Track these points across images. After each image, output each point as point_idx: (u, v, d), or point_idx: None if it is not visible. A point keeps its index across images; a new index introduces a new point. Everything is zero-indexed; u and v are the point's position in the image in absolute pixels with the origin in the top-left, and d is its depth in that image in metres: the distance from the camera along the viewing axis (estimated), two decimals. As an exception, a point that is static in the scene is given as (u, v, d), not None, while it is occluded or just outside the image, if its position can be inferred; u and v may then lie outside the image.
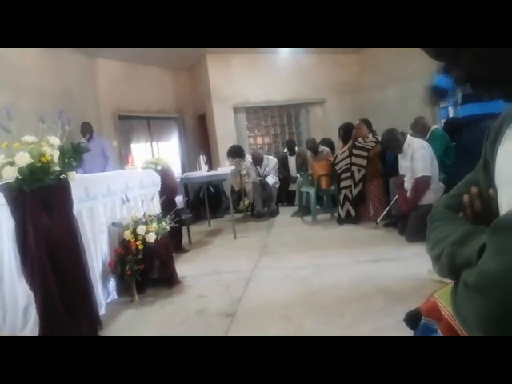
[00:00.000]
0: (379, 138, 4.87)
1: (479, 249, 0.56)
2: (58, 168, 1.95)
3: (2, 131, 1.93)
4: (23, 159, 1.80)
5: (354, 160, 4.86)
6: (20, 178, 1.83)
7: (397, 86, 7.36)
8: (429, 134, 4.48)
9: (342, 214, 4.89)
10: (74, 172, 2.10)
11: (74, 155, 1.98)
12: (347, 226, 4.70)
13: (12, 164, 1.82)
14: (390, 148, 4.24)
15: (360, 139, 4.97)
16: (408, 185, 3.86)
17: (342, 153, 5.08)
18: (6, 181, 1.87)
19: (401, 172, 4.07)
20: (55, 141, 1.97)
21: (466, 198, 0.74)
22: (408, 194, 3.84)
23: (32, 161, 1.82)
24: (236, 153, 6.38)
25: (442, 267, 0.70)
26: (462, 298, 0.58)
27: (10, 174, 1.81)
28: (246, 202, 6.48)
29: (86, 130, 5.63)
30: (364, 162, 4.82)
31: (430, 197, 3.64)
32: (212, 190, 6.47)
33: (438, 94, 2.59)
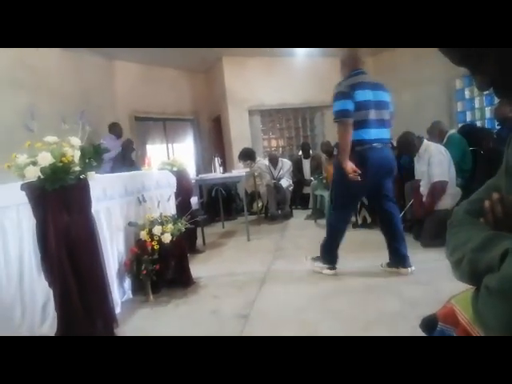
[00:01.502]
0: (393, 143, 4.83)
1: (502, 254, 0.56)
2: (78, 168, 1.99)
3: (25, 132, 1.98)
4: (46, 159, 1.84)
5: None
6: (42, 177, 1.87)
7: (412, 90, 7.31)
8: (446, 138, 4.43)
9: (359, 221, 4.86)
10: (94, 172, 2.13)
11: (94, 156, 2.01)
12: (362, 231, 4.68)
13: (35, 164, 1.86)
14: (404, 151, 4.21)
15: None
16: (424, 189, 3.82)
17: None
18: (28, 180, 1.92)
19: (417, 176, 4.04)
20: (76, 141, 2.01)
21: (487, 203, 0.73)
22: (424, 199, 3.80)
23: (54, 161, 1.86)
24: (247, 155, 6.42)
25: (462, 273, 0.69)
26: (484, 303, 0.58)
27: (33, 174, 1.85)
28: (260, 205, 6.50)
29: (116, 129, 5.86)
30: None
31: (446, 202, 3.61)
32: (223, 192, 6.48)
33: (343, 117, 2.84)
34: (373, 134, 2.83)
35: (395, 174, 3.13)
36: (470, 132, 4.73)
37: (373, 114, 2.82)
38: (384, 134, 2.91)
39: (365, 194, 2.96)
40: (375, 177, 2.88)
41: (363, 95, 2.81)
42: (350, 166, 2.79)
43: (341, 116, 2.84)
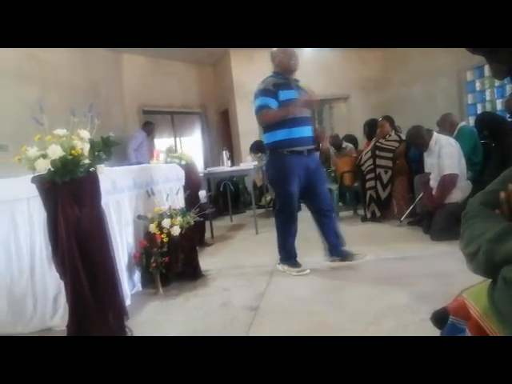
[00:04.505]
0: (402, 136, 4.80)
1: None
2: (87, 161, 1.99)
3: (35, 124, 1.98)
4: (55, 152, 1.84)
5: (379, 162, 4.78)
6: (52, 170, 1.88)
7: (422, 83, 7.23)
8: (456, 131, 4.38)
9: (368, 215, 4.83)
10: (103, 165, 2.14)
11: (103, 148, 2.01)
12: (371, 224, 4.66)
13: (44, 156, 1.87)
14: (415, 145, 4.18)
15: (382, 139, 4.89)
16: (434, 182, 3.79)
17: (365, 153, 5.02)
18: (38, 173, 1.93)
19: (426, 169, 4.00)
20: (85, 134, 2.01)
21: (502, 194, 0.72)
22: (434, 192, 3.77)
23: (64, 153, 1.87)
24: (258, 148, 6.41)
25: (478, 264, 0.68)
26: (501, 295, 0.57)
27: (43, 166, 1.86)
28: (268, 198, 6.49)
29: (149, 128, 6.27)
30: (389, 163, 4.73)
31: (456, 195, 3.57)
32: (231, 186, 6.47)
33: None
34: None
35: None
36: (485, 120, 4.62)
37: None
38: None
39: None
40: None
41: None
42: None
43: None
